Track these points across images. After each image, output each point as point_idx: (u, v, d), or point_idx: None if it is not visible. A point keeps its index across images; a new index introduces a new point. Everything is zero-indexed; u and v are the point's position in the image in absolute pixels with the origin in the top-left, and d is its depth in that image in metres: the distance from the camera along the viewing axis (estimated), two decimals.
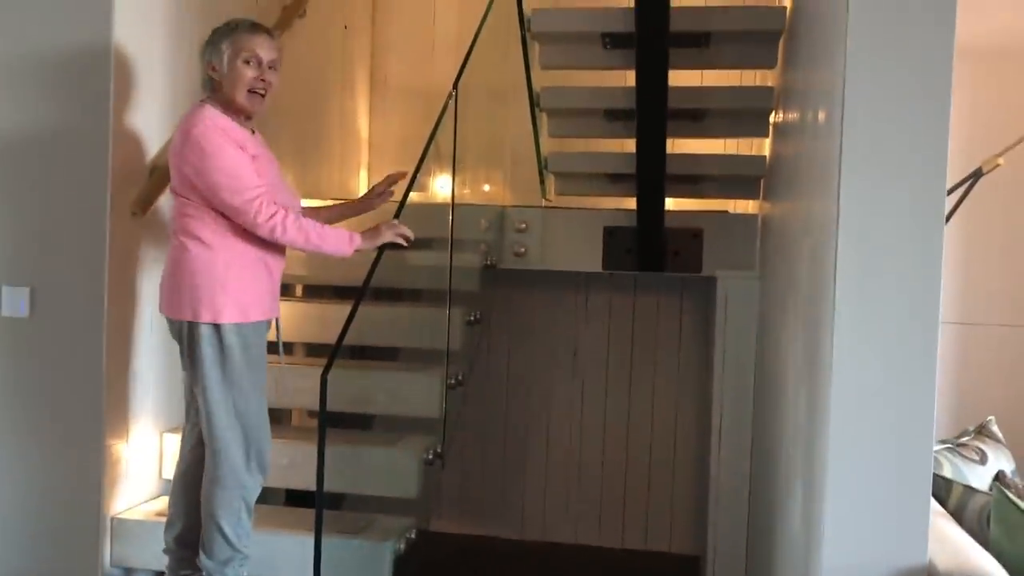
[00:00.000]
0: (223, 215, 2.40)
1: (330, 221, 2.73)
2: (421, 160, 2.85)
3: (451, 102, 3.01)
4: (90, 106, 2.70)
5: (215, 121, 2.39)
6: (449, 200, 3.17)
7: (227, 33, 2.45)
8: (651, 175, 3.23)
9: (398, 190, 2.81)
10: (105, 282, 2.70)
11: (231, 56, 2.42)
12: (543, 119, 3.63)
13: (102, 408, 2.72)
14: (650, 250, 3.58)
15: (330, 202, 3.79)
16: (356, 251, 2.55)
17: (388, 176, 2.77)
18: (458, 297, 3.27)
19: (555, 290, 4.17)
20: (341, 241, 2.51)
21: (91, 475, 2.73)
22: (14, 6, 2.74)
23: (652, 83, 2.95)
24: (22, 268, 2.75)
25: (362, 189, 4.91)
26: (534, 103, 3.51)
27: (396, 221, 2.60)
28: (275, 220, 2.38)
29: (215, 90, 2.47)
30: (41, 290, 2.73)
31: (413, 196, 2.76)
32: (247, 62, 2.42)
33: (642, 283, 4.17)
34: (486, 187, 3.97)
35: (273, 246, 2.48)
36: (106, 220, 2.69)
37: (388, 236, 2.56)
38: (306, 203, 2.99)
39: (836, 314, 1.79)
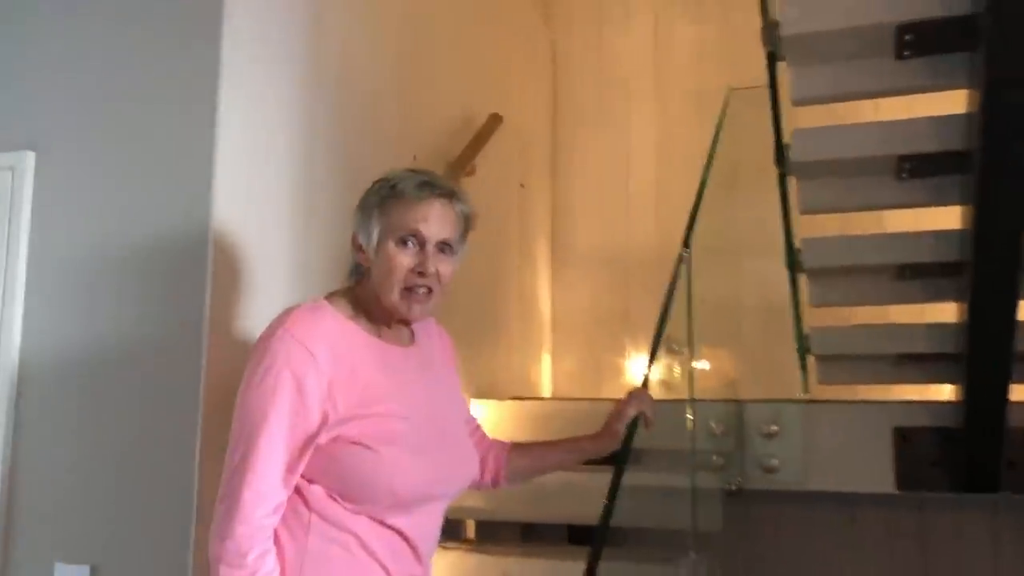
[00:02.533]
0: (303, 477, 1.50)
1: (549, 465, 1.89)
2: (655, 346, 1.97)
3: (683, 266, 2.14)
4: (181, 318, 1.89)
5: (303, 329, 1.49)
6: (678, 395, 2.44)
7: (381, 197, 1.57)
8: (992, 354, 2.22)
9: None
10: (190, 560, 1.81)
11: (382, 233, 1.55)
12: (803, 282, 2.63)
13: None
14: (979, 462, 2.48)
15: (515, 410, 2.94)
16: None
17: (621, 407, 1.89)
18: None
19: (804, 507, 3.21)
20: None
21: None
22: (87, 199, 2.02)
23: (998, 217, 1.95)
24: (80, 539, 1.91)
25: (545, 380, 4.04)
26: (793, 260, 2.52)
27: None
28: (241, 543, 1.41)
29: (361, 278, 1.60)
30: (105, 570, 1.88)
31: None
32: (403, 242, 1.55)
33: (930, 497, 3.14)
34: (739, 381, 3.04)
35: (382, 526, 1.52)
36: (194, 467, 1.83)
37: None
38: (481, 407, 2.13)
39: None
